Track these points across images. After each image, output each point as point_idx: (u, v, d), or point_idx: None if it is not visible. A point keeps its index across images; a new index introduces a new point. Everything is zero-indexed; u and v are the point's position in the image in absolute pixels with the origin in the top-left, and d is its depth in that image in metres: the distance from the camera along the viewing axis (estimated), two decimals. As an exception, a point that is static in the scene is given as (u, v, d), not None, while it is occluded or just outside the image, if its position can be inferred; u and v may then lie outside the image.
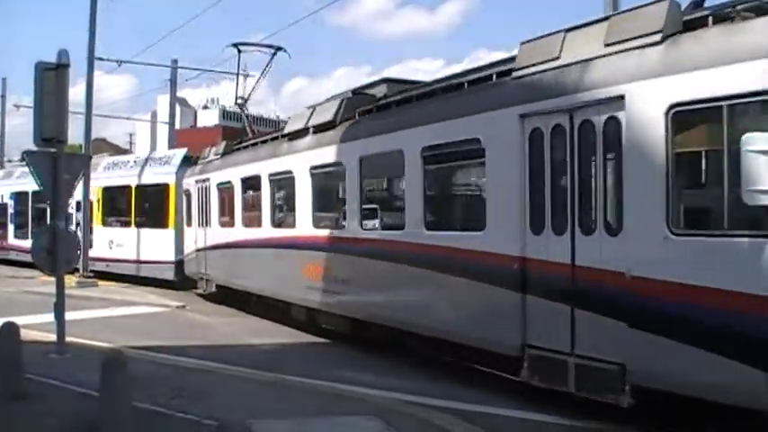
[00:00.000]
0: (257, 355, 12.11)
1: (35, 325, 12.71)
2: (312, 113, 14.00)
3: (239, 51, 20.48)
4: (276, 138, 15.92)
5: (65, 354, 10.35)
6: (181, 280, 21.94)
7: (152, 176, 24.10)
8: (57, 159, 10.27)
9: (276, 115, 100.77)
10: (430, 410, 8.10)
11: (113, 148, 62.83)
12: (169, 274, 22.55)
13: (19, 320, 9.11)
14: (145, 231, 23.96)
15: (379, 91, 13.17)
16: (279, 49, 20.39)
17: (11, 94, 52.55)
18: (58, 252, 10.38)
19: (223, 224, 18.25)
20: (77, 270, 22.47)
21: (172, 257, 22.41)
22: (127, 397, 6.60)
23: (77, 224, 25.29)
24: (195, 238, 20.03)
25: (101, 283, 23.80)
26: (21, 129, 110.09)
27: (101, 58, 25.72)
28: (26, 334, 9.67)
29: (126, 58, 29.41)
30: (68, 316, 10.83)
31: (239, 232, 16.86)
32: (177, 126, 41.45)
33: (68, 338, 10.69)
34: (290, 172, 14.12)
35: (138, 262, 24.01)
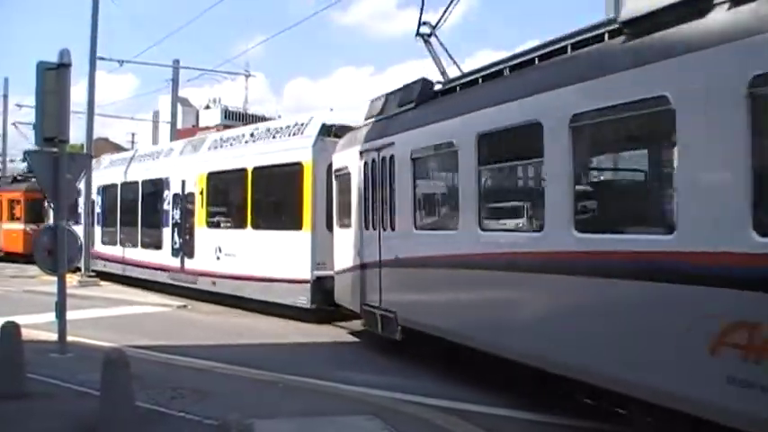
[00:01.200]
0: (258, 354, 12.11)
1: (37, 324, 12.75)
2: None
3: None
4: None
5: (66, 353, 10.36)
6: (321, 308, 15.16)
7: (277, 154, 16.74)
8: (58, 159, 10.28)
9: (278, 115, 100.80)
10: (430, 410, 8.11)
11: (115, 148, 62.80)
12: (302, 300, 15.35)
13: (20, 320, 9.14)
14: (266, 235, 16.79)
15: None
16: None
17: (13, 94, 52.65)
18: (58, 251, 10.40)
19: (429, 224, 11.31)
20: (79, 269, 22.53)
21: (306, 274, 15.19)
22: (128, 396, 6.62)
23: (175, 225, 20.68)
24: (356, 245, 12.98)
25: (102, 282, 23.84)
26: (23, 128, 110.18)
27: (102, 58, 25.80)
28: (28, 333, 9.69)
29: (128, 58, 29.42)
30: (70, 315, 10.84)
31: (473, 239, 9.06)
32: (179, 126, 41.46)
33: (70, 338, 10.70)
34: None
35: (257, 279, 16.85)
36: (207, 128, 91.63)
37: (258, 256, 16.83)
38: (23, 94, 78.83)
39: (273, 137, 17.32)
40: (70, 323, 10.78)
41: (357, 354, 12.08)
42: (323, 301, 14.83)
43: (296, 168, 15.75)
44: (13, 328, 8.47)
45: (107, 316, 17.03)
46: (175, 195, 20.58)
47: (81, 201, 24.52)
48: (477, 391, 9.10)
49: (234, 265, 17.71)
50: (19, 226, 33.68)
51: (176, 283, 20.39)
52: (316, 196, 15.33)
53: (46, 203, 25.98)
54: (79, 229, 22.64)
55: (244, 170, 17.64)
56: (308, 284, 15.09)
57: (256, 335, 14.38)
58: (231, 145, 19.09)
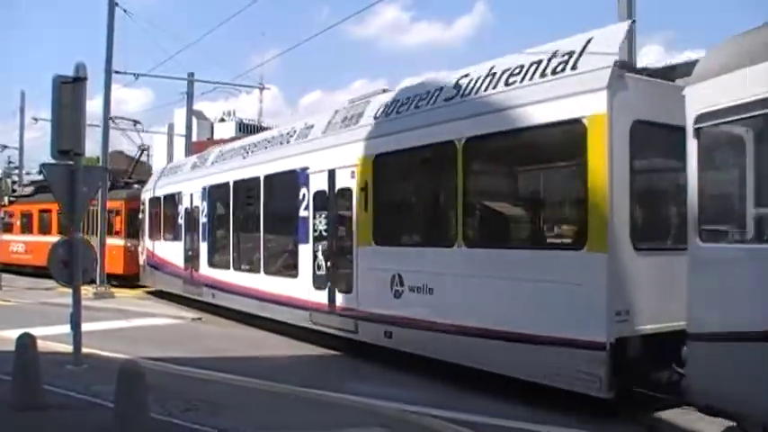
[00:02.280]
0: (271, 367, 12.13)
1: (52, 336, 12.83)
2: None
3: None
4: None
5: (81, 365, 10.41)
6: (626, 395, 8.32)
7: (521, 110, 9.39)
8: (74, 172, 10.37)
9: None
10: (442, 422, 8.09)
11: (130, 161, 63.17)
12: (589, 379, 8.12)
13: (36, 332, 9.20)
14: (499, 258, 9.78)
15: None
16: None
17: (29, 108, 53.35)
18: (74, 263, 10.47)
19: None
20: (94, 282, 22.64)
21: (597, 332, 8.12)
22: (142, 408, 6.65)
23: (319, 239, 13.82)
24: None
25: (117, 294, 23.94)
26: (37, 141, 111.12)
27: (118, 72, 25.94)
28: (43, 345, 9.75)
29: (143, 72, 29.61)
30: (85, 327, 10.89)
31: None
32: (194, 139, 41.69)
33: (85, 350, 10.75)
34: None
35: (478, 334, 9.74)
36: (222, 140, 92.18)
37: (480, 293, 9.77)
38: (39, 108, 79.42)
39: (507, 82, 9.74)
40: (85, 335, 10.83)
41: (370, 367, 12.05)
42: (629, 382, 8.14)
43: (570, 132, 8.68)
44: (29, 340, 8.53)
45: (122, 328, 17.10)
46: (319, 195, 13.78)
47: (182, 212, 21.31)
48: (489, 402, 9.07)
49: (431, 308, 10.61)
50: (118, 242, 27.65)
51: (322, 328, 13.59)
52: (613, 183, 8.17)
53: (140, 215, 26.02)
54: (179, 247, 21.55)
55: (450, 145, 10.34)
56: (603, 352, 7.98)
57: (270, 347, 14.39)
58: (417, 107, 11.42)
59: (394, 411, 8.57)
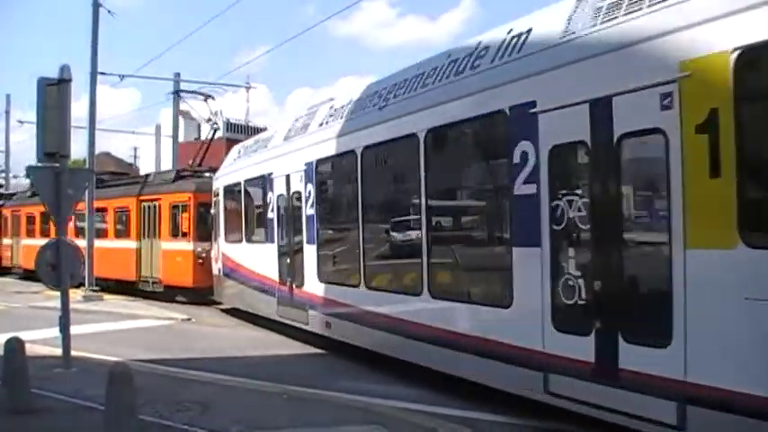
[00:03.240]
0: (262, 366, 12.10)
1: (41, 340, 12.76)
2: None
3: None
4: None
5: (71, 368, 10.37)
6: None
7: None
8: (59, 174, 10.31)
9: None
10: (436, 419, 8.08)
11: (117, 162, 62.97)
12: None
13: (25, 335, 9.16)
14: None
15: None
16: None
17: (14, 109, 52.95)
18: (61, 266, 10.42)
19: None
20: (83, 284, 22.53)
21: None
22: (132, 410, 6.63)
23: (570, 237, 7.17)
24: None
25: (106, 296, 23.83)
26: (24, 145, 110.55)
27: (103, 73, 25.80)
28: (32, 349, 9.71)
29: (129, 73, 29.46)
30: (74, 330, 10.85)
31: None
32: (181, 139, 41.54)
33: (74, 353, 10.70)
34: None
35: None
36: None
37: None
38: (25, 110, 79.00)
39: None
40: (74, 338, 10.79)
41: (361, 365, 12.05)
42: None
43: None
44: (17, 344, 8.49)
45: (111, 330, 17.01)
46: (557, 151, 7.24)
47: (274, 201, 14.83)
48: (483, 399, 9.07)
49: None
50: (185, 246, 21.92)
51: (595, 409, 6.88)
52: None
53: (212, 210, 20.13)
54: (269, 251, 14.97)
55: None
56: None
57: (261, 347, 14.35)
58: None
59: (387, 409, 8.56)
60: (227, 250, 18.29)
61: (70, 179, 10.44)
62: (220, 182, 19.18)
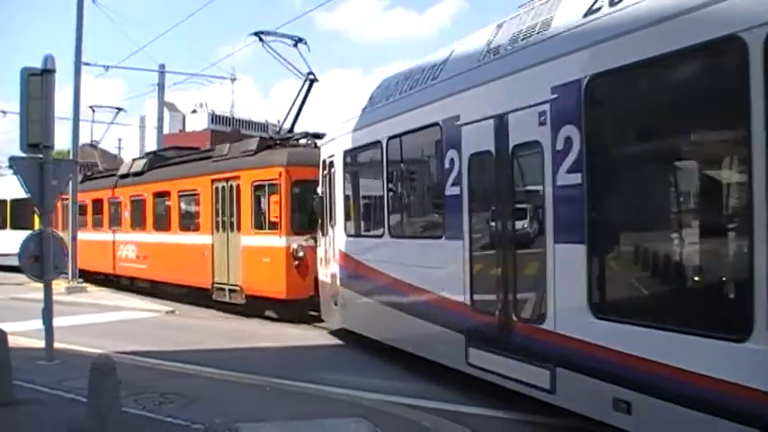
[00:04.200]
0: (246, 358, 12.12)
1: (24, 332, 12.71)
2: None
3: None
4: None
5: (54, 360, 10.33)
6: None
7: None
8: (43, 165, 10.26)
9: (265, 120, 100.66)
10: (420, 412, 8.16)
11: (102, 153, 62.56)
12: None
13: (7, 327, 9.10)
14: None
15: None
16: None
17: (-2, 100, 52.63)
18: (45, 258, 10.37)
19: None
20: (66, 276, 22.41)
21: None
22: (115, 402, 6.63)
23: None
24: None
25: (90, 288, 23.71)
26: (7, 136, 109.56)
27: (87, 63, 25.66)
28: (14, 341, 9.67)
29: (114, 63, 29.33)
30: (57, 322, 10.81)
31: None
32: (166, 131, 41.35)
33: (57, 345, 10.66)
34: None
35: None
36: (194, 132, 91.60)
37: None
38: (8, 101, 78.36)
39: None
40: (58, 330, 10.75)
41: (345, 357, 12.10)
42: None
43: None
44: (-1, 336, 8.45)
45: (95, 322, 16.95)
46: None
47: (459, 179, 8.99)
48: (467, 392, 9.13)
49: None
50: (275, 241, 16.21)
51: None
52: None
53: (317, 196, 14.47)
54: (450, 253, 9.17)
55: None
56: None
57: (244, 339, 14.37)
58: None
59: (373, 402, 8.62)
60: (350, 248, 12.27)
61: (54, 170, 10.39)
62: (334, 147, 13.04)
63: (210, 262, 18.40)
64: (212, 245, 18.39)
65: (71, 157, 24.43)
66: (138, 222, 22.89)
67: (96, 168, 30.01)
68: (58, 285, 18.22)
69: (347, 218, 12.65)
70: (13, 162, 10.78)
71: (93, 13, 36.71)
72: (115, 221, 24.57)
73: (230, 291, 17.70)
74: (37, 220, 26.86)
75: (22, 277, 14.36)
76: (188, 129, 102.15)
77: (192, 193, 19.64)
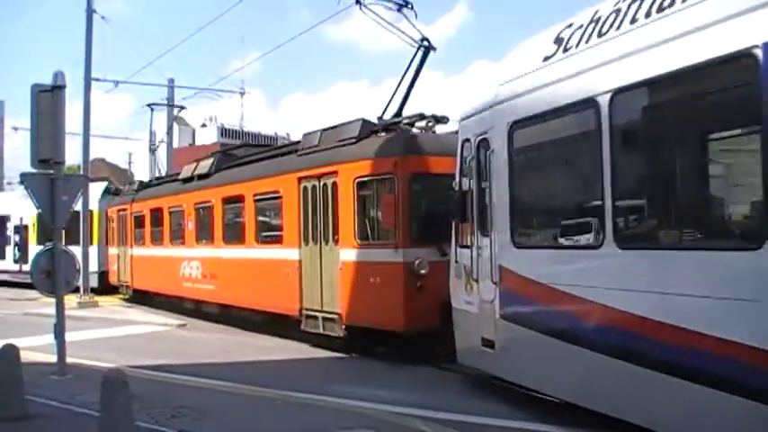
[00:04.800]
0: (257, 371, 12.11)
1: (36, 347, 12.73)
2: None
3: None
4: None
5: (66, 375, 10.35)
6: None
7: None
8: (54, 181, 10.32)
9: (275, 132, 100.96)
10: (430, 423, 8.11)
11: (112, 168, 62.93)
12: None
13: (20, 342, 9.13)
14: None
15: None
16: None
17: (8, 117, 52.86)
18: (56, 273, 10.41)
19: None
20: (78, 291, 22.49)
21: None
22: (127, 416, 6.62)
23: None
24: None
25: (101, 302, 23.78)
26: (19, 152, 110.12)
27: (97, 79, 25.83)
28: (27, 356, 9.68)
29: (123, 79, 29.50)
30: (69, 337, 10.85)
31: None
32: (175, 145, 41.53)
33: (69, 359, 10.69)
34: None
35: None
36: (204, 146, 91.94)
37: None
38: (19, 116, 78.90)
39: None
40: (69, 345, 10.78)
41: (354, 368, 12.09)
42: None
43: None
44: (12, 351, 8.46)
45: (107, 337, 17.00)
46: None
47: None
48: (475, 402, 9.11)
49: None
50: (389, 256, 12.34)
51: None
52: None
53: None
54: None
55: None
56: None
57: (255, 352, 14.37)
58: None
59: (384, 413, 8.58)
60: (525, 264, 8.49)
61: (65, 186, 10.45)
62: (489, 119, 9.24)
63: (297, 282, 14.45)
64: (300, 261, 14.46)
65: (81, 171, 24.57)
66: (204, 234, 19.25)
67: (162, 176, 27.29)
68: (70, 300, 18.27)
69: (517, 220, 8.69)
70: (25, 178, 10.85)
71: (102, 28, 36.92)
72: (177, 234, 21.03)
73: (325, 319, 13.73)
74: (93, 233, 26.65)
75: (34, 292, 14.44)
76: (197, 143, 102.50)
77: (273, 196, 15.68)
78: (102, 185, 29.66)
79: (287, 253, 14.89)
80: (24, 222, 32.12)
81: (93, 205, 27.07)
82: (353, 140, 13.41)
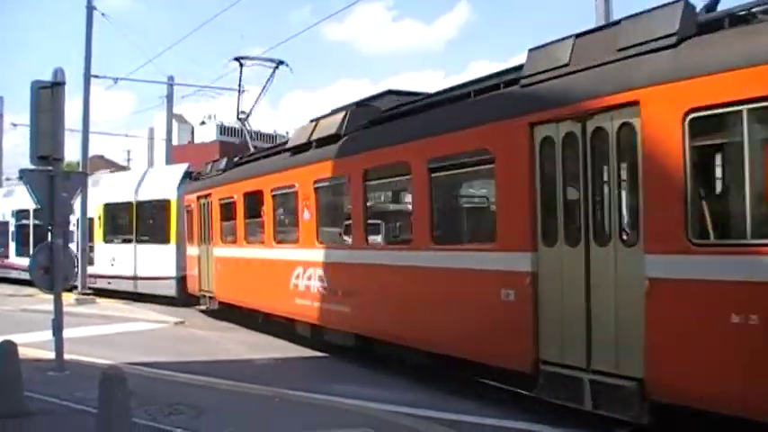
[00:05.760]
0: (255, 369, 12.14)
1: (34, 343, 12.75)
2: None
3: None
4: None
5: (64, 371, 10.36)
6: None
7: None
8: (53, 177, 10.32)
9: (274, 130, 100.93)
10: (427, 422, 8.14)
11: (111, 165, 62.94)
12: None
13: (18, 338, 9.17)
14: None
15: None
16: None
17: (7, 113, 52.67)
18: (55, 269, 10.42)
19: None
20: (76, 287, 22.47)
21: None
22: (125, 413, 6.62)
23: None
24: None
25: (99, 300, 23.77)
26: (18, 148, 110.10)
27: (96, 76, 25.78)
28: (25, 352, 9.71)
29: (123, 76, 29.43)
30: (67, 333, 10.85)
31: None
32: (175, 142, 41.50)
33: (67, 356, 10.69)
34: None
35: None
36: (203, 144, 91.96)
37: None
38: (18, 112, 78.84)
39: None
40: (67, 341, 10.79)
41: (352, 367, 12.09)
42: None
43: None
44: (10, 347, 8.48)
45: (105, 333, 16.98)
46: None
47: None
48: (471, 402, 9.13)
49: None
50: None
51: None
52: None
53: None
54: None
55: None
56: None
57: (252, 350, 14.37)
58: None
59: (381, 412, 8.59)
60: None
61: (64, 182, 10.45)
62: None
63: (529, 312, 8.11)
64: (533, 273, 8.11)
65: (80, 168, 24.54)
66: (331, 228, 13.38)
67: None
68: (68, 296, 18.28)
69: None
70: (24, 174, 10.86)
71: (102, 25, 36.94)
72: (286, 228, 14.95)
73: (604, 388, 7.23)
74: (173, 230, 22.21)
75: (32, 288, 14.44)
76: (197, 140, 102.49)
77: (477, 159, 9.27)
78: (181, 169, 24.06)
79: (507, 260, 8.47)
80: (89, 215, 24.82)
81: (171, 194, 22.87)
82: (672, 40, 7.00)
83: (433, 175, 9.94)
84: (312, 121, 14.26)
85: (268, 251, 15.15)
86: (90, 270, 24.85)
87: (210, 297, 18.80)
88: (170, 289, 22.14)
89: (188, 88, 55.82)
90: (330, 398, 9.37)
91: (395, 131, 11.21)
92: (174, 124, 41.20)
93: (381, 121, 11.98)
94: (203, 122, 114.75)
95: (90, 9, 24.77)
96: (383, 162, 11.22)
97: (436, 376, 10.25)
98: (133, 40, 52.58)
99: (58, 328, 10.44)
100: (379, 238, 12.11)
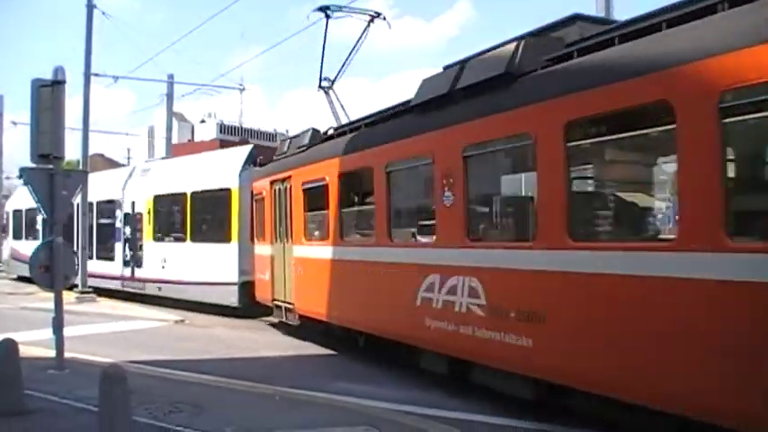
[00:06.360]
0: (256, 367, 12.13)
1: (34, 341, 12.73)
2: None
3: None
4: None
5: (64, 369, 10.37)
6: None
7: None
8: (53, 176, 10.32)
9: (274, 128, 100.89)
10: (427, 420, 8.16)
11: (111, 163, 62.92)
12: None
13: (18, 337, 9.15)
14: None
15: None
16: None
17: (7, 111, 52.64)
18: (55, 267, 10.42)
19: None
20: (76, 285, 22.47)
21: None
22: (125, 411, 6.63)
23: None
24: None
25: (100, 298, 23.76)
26: (19, 146, 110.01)
27: (97, 74, 25.76)
28: (25, 350, 9.70)
29: (123, 74, 29.42)
30: (67, 332, 10.86)
31: None
32: (175, 141, 41.49)
33: (67, 354, 10.70)
34: None
35: None
36: (203, 142, 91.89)
37: None
38: (18, 110, 78.81)
39: None
40: (68, 339, 10.79)
41: (352, 365, 12.09)
42: None
43: None
44: (10, 345, 8.48)
45: (105, 332, 16.97)
46: None
47: None
48: (472, 400, 9.14)
49: None
50: None
51: None
52: None
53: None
54: None
55: None
56: None
57: (253, 348, 14.38)
58: None
59: (380, 410, 8.61)
60: None
61: (64, 180, 10.45)
62: None
63: None
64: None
65: (80, 166, 24.52)
66: (489, 216, 9.59)
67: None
68: (68, 295, 18.27)
69: None
70: (24, 173, 10.86)
71: (102, 24, 36.89)
72: (414, 218, 11.06)
73: None
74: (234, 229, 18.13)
75: (32, 287, 14.44)
76: (197, 138, 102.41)
77: None
78: (245, 151, 20.11)
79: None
80: (137, 210, 22.70)
81: (233, 182, 19.16)
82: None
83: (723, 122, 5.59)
84: (447, 67, 10.49)
85: (379, 251, 11.16)
86: (138, 273, 22.86)
87: (288, 309, 14.98)
88: (231, 297, 18.67)
89: (188, 86, 55.75)
90: (330, 395, 9.38)
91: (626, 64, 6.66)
92: (174, 122, 41.18)
93: (590, 50, 7.52)
94: (203, 121, 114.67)
95: (90, 7, 24.72)
96: (610, 107, 6.75)
97: (443, 377, 10.23)
98: (133, 38, 52.53)
99: (58, 326, 10.44)
100: (592, 232, 7.73)
